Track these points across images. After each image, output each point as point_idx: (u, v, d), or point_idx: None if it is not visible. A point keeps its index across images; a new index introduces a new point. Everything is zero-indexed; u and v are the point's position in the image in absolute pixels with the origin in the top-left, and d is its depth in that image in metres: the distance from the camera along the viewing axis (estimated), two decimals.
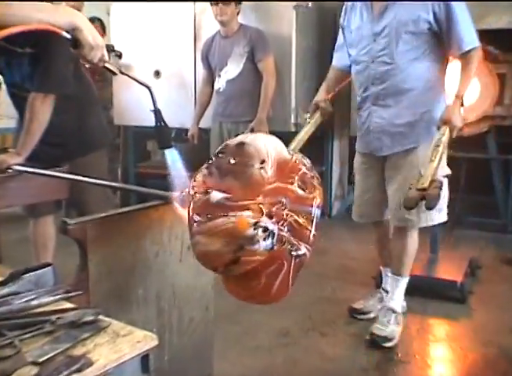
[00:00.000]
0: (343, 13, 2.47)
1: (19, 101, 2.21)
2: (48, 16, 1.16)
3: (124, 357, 0.86)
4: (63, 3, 1.71)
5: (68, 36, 1.23)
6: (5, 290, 1.02)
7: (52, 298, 1.02)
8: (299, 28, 3.85)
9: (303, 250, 1.09)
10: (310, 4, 3.93)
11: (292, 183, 1.08)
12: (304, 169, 1.10)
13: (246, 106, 3.53)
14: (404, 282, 2.53)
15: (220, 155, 1.09)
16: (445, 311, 2.78)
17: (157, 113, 1.50)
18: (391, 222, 2.51)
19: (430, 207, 1.90)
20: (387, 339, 2.40)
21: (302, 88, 3.96)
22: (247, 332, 2.57)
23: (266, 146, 1.08)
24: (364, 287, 2.99)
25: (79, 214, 2.25)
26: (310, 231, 1.09)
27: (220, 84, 3.60)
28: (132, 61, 4.26)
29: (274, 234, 1.04)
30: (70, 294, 1.04)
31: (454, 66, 2.38)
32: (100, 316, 0.96)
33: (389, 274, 2.57)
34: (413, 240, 2.46)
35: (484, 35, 2.44)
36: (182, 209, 1.23)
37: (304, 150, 2.65)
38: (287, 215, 1.07)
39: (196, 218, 1.05)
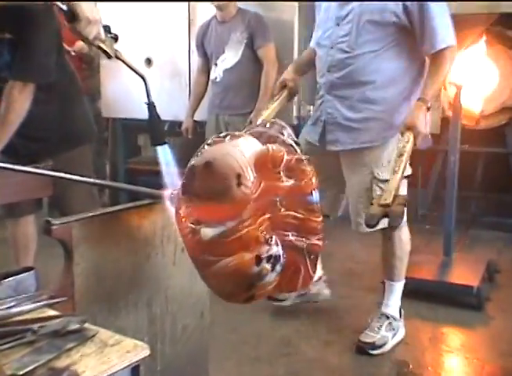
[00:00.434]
0: None
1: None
2: None
3: (112, 368, 0.85)
4: None
5: (64, 7, 1.23)
6: None
7: (33, 305, 1.02)
8: (302, 14, 3.84)
9: (314, 241, 1.08)
10: None
11: (279, 178, 1.06)
12: (286, 156, 1.06)
13: (245, 97, 3.52)
14: (399, 287, 2.53)
15: (190, 178, 1.05)
16: (460, 319, 2.78)
17: (151, 106, 1.50)
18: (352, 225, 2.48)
19: (393, 226, 1.88)
20: (375, 346, 2.40)
21: (305, 78, 3.94)
22: (246, 341, 2.56)
23: (236, 155, 1.02)
24: (371, 292, 2.98)
25: (61, 213, 2.24)
26: (314, 221, 1.08)
27: (216, 73, 3.59)
28: (121, 47, 4.25)
29: (279, 257, 1.04)
30: (53, 301, 1.04)
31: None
32: (86, 324, 0.95)
33: (385, 280, 2.57)
34: (401, 241, 2.46)
35: (504, 19, 2.43)
36: (173, 209, 1.23)
37: None
38: (286, 217, 1.07)
39: (198, 257, 1.07)
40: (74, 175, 1.71)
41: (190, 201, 1.06)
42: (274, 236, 1.04)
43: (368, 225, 1.83)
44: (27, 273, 1.08)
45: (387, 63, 2.25)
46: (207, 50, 3.64)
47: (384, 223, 1.91)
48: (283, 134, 1.13)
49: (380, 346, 2.41)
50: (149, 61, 4.27)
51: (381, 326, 2.45)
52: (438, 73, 2.16)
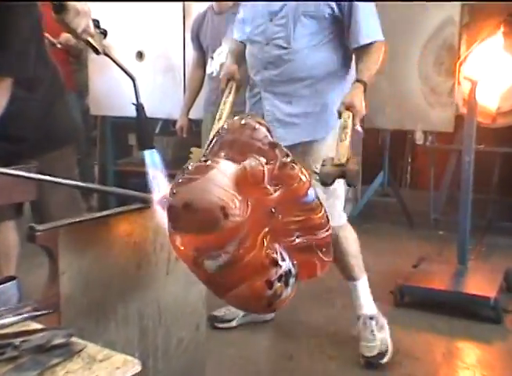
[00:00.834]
0: None
1: None
2: None
3: None
4: None
5: None
6: None
7: (15, 318, 1.01)
8: None
9: (322, 235, 1.11)
10: None
11: (266, 192, 1.05)
12: (266, 168, 1.05)
13: (244, 93, 3.52)
14: (363, 283, 2.55)
15: (174, 218, 1.07)
16: (476, 332, 2.77)
17: (140, 108, 1.50)
18: None
19: (351, 184, 1.95)
20: (382, 355, 2.42)
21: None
22: (245, 355, 2.56)
23: (212, 190, 1.02)
24: (380, 303, 2.96)
25: (40, 220, 2.24)
26: (317, 218, 1.09)
27: (213, 67, 3.59)
28: (111, 40, 4.25)
29: (290, 271, 1.07)
30: (37, 313, 1.04)
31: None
32: (73, 338, 0.95)
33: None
34: (348, 239, 2.52)
35: None
36: (163, 215, 1.23)
37: None
38: (286, 224, 1.09)
39: (210, 286, 1.13)
40: (56, 178, 1.71)
41: (183, 234, 1.08)
42: (280, 251, 1.07)
43: (323, 184, 1.91)
44: (8, 283, 1.08)
45: (326, 56, 2.33)
46: (203, 43, 3.64)
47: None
48: (256, 138, 1.10)
49: (385, 353, 2.43)
50: (140, 55, 4.28)
51: (373, 330, 2.47)
52: (373, 58, 2.28)
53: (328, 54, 2.33)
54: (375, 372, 2.42)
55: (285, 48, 2.31)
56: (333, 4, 2.27)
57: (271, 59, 2.35)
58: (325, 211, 1.12)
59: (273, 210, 1.07)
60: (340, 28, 2.31)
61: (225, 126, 1.14)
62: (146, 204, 1.35)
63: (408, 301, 3.00)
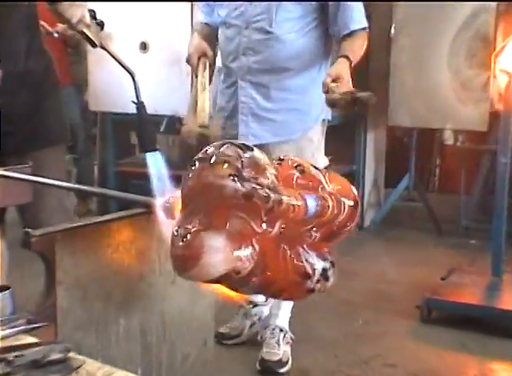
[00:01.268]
0: None
1: None
2: None
3: None
4: None
5: None
6: None
7: (8, 331, 1.02)
8: None
9: (340, 219, 1.13)
10: None
11: (266, 233, 1.05)
12: (253, 223, 1.05)
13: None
14: None
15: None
16: None
17: (140, 107, 1.51)
18: None
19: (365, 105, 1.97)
20: (282, 363, 2.51)
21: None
22: (258, 373, 2.56)
23: (216, 262, 1.03)
24: (405, 318, 2.97)
25: (27, 223, 2.25)
26: (327, 215, 1.10)
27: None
28: (112, 29, 4.27)
29: (327, 267, 1.12)
30: (32, 326, 1.04)
31: None
32: (71, 354, 0.95)
33: None
34: None
35: None
36: (166, 220, 1.24)
37: (331, 143, 2.65)
38: (299, 234, 1.11)
39: None
40: (45, 179, 1.72)
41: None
42: (306, 257, 1.10)
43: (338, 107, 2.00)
44: (1, 294, 1.09)
45: (308, 46, 2.34)
46: None
47: None
48: (227, 196, 1.04)
49: (286, 362, 2.53)
50: (144, 46, 4.29)
51: (279, 340, 2.55)
52: (355, 45, 2.27)
53: (312, 42, 2.33)
54: None
55: (266, 32, 2.30)
56: None
57: (250, 44, 2.33)
58: (333, 198, 1.12)
59: (283, 246, 1.09)
60: (323, 17, 2.31)
61: (189, 183, 1.09)
62: (149, 208, 1.35)
63: (436, 316, 2.98)
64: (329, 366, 2.65)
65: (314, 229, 1.12)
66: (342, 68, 2.15)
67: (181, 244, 1.02)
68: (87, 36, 1.41)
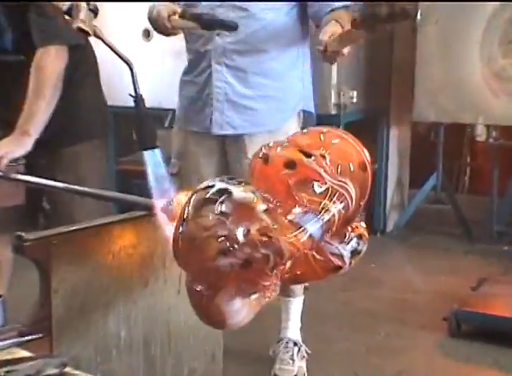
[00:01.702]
0: None
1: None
2: None
3: None
4: None
5: None
6: None
7: (0, 344, 1.02)
8: None
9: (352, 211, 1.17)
10: None
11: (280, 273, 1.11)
12: (263, 264, 1.08)
13: None
14: (297, 304, 2.57)
15: None
16: None
17: (139, 100, 1.51)
18: None
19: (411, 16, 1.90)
20: None
21: (347, 57, 3.93)
22: None
23: (238, 311, 1.12)
24: (431, 331, 2.96)
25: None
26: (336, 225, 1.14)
27: None
28: (113, 15, 4.29)
29: (355, 250, 1.20)
30: (25, 338, 1.04)
31: None
32: (67, 368, 0.95)
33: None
34: None
35: None
36: (167, 224, 1.24)
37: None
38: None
39: None
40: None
41: None
42: (331, 250, 1.17)
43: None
44: None
45: (286, 27, 2.34)
46: None
47: None
48: (230, 246, 1.06)
49: None
50: (147, 33, 4.30)
51: (293, 355, 2.54)
52: (340, 17, 2.20)
53: (291, 23, 2.33)
54: None
55: (244, 9, 2.29)
56: None
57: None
58: (336, 194, 1.14)
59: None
60: None
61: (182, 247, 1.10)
62: (151, 211, 1.35)
63: (465, 330, 2.97)
64: None
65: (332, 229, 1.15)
66: (336, 27, 2.12)
67: (200, 309, 1.10)
68: (79, 27, 1.40)
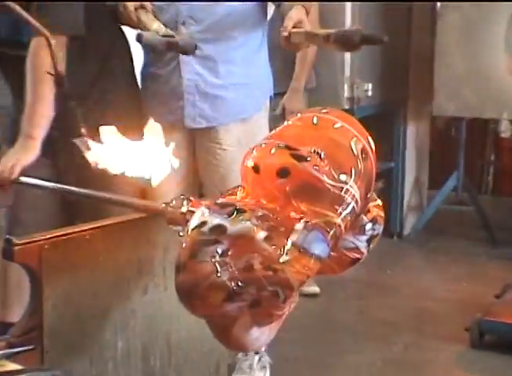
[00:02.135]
0: None
1: (7, 63, 2.26)
2: None
3: None
4: None
5: None
6: None
7: None
8: None
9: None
10: None
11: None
12: (273, 301, 1.11)
13: (275, 72, 3.52)
14: None
15: None
16: None
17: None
18: None
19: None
20: None
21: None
22: None
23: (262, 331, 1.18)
24: (452, 342, 2.95)
25: None
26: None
27: None
28: None
29: (372, 220, 1.24)
30: (15, 350, 1.04)
31: None
32: None
33: None
34: None
35: None
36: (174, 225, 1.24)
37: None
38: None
39: None
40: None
41: None
42: (347, 244, 1.23)
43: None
44: None
45: (251, 11, 2.38)
46: None
47: None
48: (235, 294, 1.09)
49: None
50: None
51: (252, 364, 2.52)
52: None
53: (253, 7, 2.37)
54: None
55: None
56: None
57: (190, 11, 2.35)
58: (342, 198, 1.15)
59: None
60: None
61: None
62: (153, 213, 1.35)
63: (489, 340, 2.96)
64: None
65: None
66: (302, 13, 2.16)
67: (221, 340, 1.15)
68: None
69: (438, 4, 3.99)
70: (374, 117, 3.96)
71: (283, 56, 3.48)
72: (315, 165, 1.11)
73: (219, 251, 1.03)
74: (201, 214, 1.08)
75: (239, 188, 1.27)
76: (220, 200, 1.15)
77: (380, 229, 1.25)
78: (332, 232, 1.10)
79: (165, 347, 1.44)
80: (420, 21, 4.26)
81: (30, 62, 2.11)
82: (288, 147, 1.14)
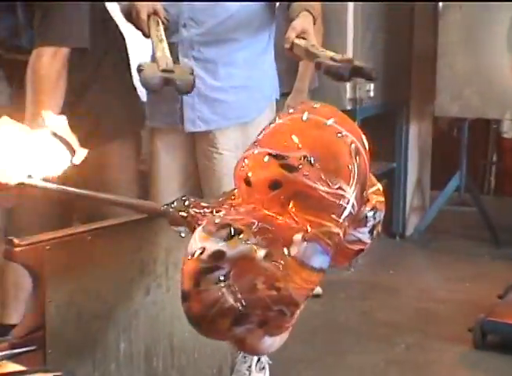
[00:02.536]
0: None
1: (7, 66, 2.26)
2: None
3: None
4: None
5: None
6: None
7: None
8: None
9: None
10: None
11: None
12: (280, 320, 1.13)
13: (279, 72, 3.51)
14: None
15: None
16: None
17: None
18: None
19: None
20: None
21: (364, 45, 3.93)
22: None
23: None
24: (455, 343, 2.95)
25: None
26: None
27: None
28: None
29: (373, 209, 1.23)
30: (17, 351, 1.04)
31: None
32: None
33: None
34: None
35: None
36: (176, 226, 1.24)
37: (366, 137, 2.63)
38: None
39: None
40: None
41: None
42: (349, 238, 1.21)
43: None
44: None
45: (257, 13, 2.36)
46: None
47: None
48: (243, 317, 1.10)
49: None
50: None
51: (250, 366, 2.50)
52: (313, 9, 2.24)
53: (260, 7, 2.35)
54: None
55: None
56: None
57: (191, 13, 2.34)
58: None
59: None
60: None
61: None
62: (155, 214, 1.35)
63: (492, 341, 2.95)
64: None
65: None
66: (307, 22, 2.15)
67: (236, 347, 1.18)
68: None
69: (440, 4, 3.99)
70: (376, 118, 3.96)
71: (288, 56, 3.49)
72: (307, 173, 1.10)
73: (221, 277, 1.04)
74: (198, 238, 1.08)
75: (235, 192, 1.27)
76: (217, 220, 1.13)
77: (381, 215, 1.25)
78: (331, 242, 1.10)
79: (168, 348, 1.43)
80: (422, 21, 4.26)
81: (32, 71, 2.11)
82: (277, 156, 1.13)
